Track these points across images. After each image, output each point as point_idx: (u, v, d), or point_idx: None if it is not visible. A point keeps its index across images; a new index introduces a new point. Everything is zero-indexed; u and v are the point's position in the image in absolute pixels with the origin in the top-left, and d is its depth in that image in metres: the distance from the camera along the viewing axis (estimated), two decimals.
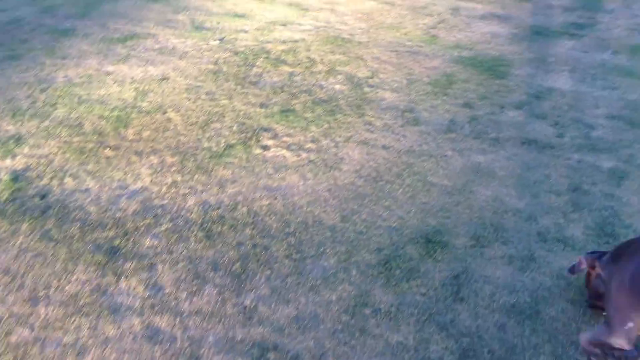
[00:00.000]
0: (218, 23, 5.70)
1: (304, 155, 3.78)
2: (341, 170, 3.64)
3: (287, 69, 4.87)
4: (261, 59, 5.00)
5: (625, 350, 2.30)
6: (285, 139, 3.94)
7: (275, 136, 3.96)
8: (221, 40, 5.35)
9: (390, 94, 4.53)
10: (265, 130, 4.02)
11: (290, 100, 4.40)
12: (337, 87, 4.61)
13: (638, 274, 2.19)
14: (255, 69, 4.83)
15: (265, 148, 3.83)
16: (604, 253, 2.48)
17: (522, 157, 3.73)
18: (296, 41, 5.37)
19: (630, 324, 2.25)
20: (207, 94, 4.44)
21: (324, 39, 5.43)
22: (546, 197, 3.38)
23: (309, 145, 3.88)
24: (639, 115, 4.13)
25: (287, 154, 3.79)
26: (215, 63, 4.90)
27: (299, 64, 4.96)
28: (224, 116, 4.16)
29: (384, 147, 3.86)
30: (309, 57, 5.08)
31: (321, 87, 4.61)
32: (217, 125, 4.06)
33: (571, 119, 4.13)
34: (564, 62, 4.94)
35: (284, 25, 5.71)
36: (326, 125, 4.10)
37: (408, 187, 3.49)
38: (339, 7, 6.23)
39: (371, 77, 4.77)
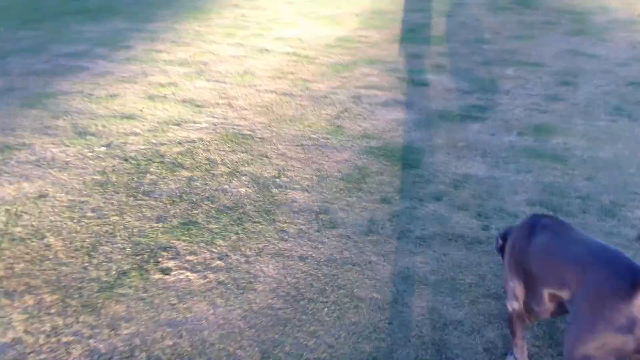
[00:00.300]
0: (104, 126, 5.18)
1: (211, 276, 3.28)
2: (256, 291, 3.17)
3: (185, 173, 4.42)
4: (155, 164, 4.52)
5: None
6: (188, 257, 3.43)
7: (176, 255, 3.44)
8: (108, 146, 4.82)
9: (301, 194, 4.16)
10: (165, 249, 3.50)
11: (191, 210, 3.92)
12: (243, 190, 4.20)
13: (513, 243, 2.62)
14: (149, 177, 4.33)
15: (166, 271, 3.30)
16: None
17: (452, 256, 3.44)
18: (193, 141, 4.95)
19: (510, 284, 2.61)
20: (93, 210, 3.87)
21: (223, 137, 5.05)
22: (485, 303, 3.07)
23: (217, 263, 3.39)
24: (557, 200, 4.00)
25: (192, 276, 3.27)
26: (103, 173, 4.36)
27: (198, 166, 4.53)
28: (114, 236, 3.60)
29: (302, 258, 3.44)
30: (208, 159, 4.65)
31: (225, 191, 4.17)
32: (107, 248, 3.49)
33: (493, 208, 3.92)
34: (474, 147, 4.82)
35: (179, 124, 5.29)
36: (234, 237, 3.64)
37: (334, 305, 3.06)
38: (236, 101, 5.91)
39: (278, 177, 4.40)
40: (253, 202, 4.05)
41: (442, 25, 8.57)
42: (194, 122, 5.37)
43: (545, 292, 2.39)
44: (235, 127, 5.31)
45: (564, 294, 2.27)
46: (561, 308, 2.37)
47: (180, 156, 4.68)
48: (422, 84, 6.31)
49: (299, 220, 3.83)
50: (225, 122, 5.39)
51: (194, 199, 4.06)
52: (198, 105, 5.79)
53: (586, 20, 8.48)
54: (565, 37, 7.78)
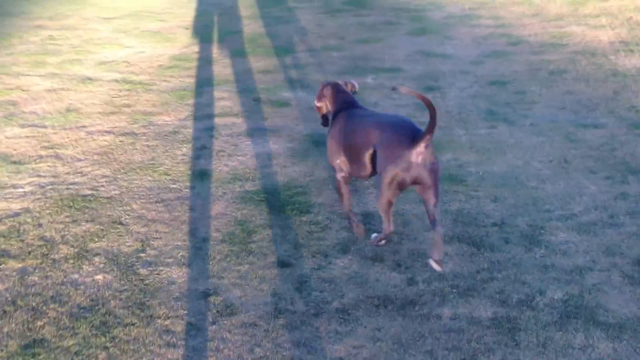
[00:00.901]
0: None
1: None
2: None
3: (13, 264, 3.34)
4: None
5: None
6: None
7: None
8: None
9: (178, 270, 3.30)
10: None
11: (33, 323, 2.89)
12: (99, 278, 3.24)
13: (336, 130, 3.50)
14: None
15: None
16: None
17: (387, 330, 2.81)
18: (17, 215, 3.83)
19: (338, 160, 3.51)
20: None
21: (57, 204, 3.98)
22: None
23: None
24: (473, 231, 3.57)
25: None
26: None
27: (30, 251, 3.46)
28: None
29: None
30: (43, 237, 3.59)
31: (75, 284, 3.18)
32: None
33: (410, 253, 3.37)
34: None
35: None
36: (103, 355, 2.70)
37: None
38: (64, 150, 4.80)
39: (143, 250, 3.49)
40: (117, 293, 3.11)
41: (283, 33, 7.98)
42: (14, 187, 4.22)
43: (366, 157, 3.30)
44: (70, 186, 4.25)
45: (372, 150, 3.24)
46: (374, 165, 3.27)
47: (2, 239, 3.56)
48: (282, 104, 5.64)
49: (185, 311, 2.98)
50: (56, 182, 4.30)
51: (34, 304, 3.03)
52: (15, 162, 4.60)
53: (424, 18, 8.39)
54: (410, 37, 7.57)
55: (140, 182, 4.31)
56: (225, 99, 5.80)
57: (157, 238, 3.61)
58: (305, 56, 7.01)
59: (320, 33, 7.94)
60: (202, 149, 4.80)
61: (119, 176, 4.40)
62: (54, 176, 4.40)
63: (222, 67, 6.74)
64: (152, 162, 4.61)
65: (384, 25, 8.11)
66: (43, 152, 4.79)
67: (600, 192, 3.83)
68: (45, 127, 5.26)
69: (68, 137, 5.05)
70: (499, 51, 6.76)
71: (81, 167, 4.54)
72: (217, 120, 5.33)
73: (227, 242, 3.55)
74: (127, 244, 3.56)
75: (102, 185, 4.27)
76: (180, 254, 3.46)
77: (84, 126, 5.28)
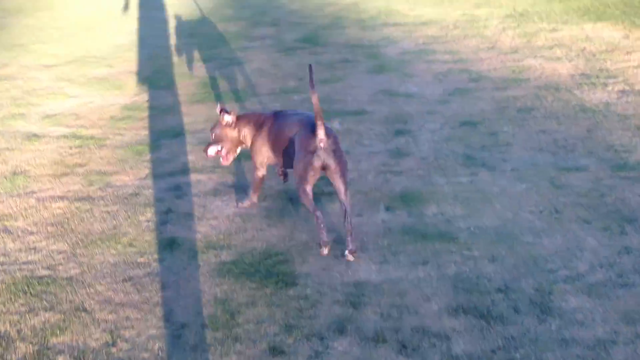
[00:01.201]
0: None
1: None
2: None
3: None
4: None
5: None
6: None
7: None
8: None
9: None
10: None
11: None
12: None
13: (266, 135, 4.18)
14: None
15: None
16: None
17: None
18: None
19: (260, 158, 4.24)
20: None
21: (9, 289, 3.55)
22: None
23: None
24: (478, 299, 3.33)
25: None
26: None
27: None
28: None
29: None
30: None
31: None
32: None
33: (414, 331, 3.08)
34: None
35: None
36: None
37: None
38: (14, 222, 4.35)
39: (113, 344, 3.09)
40: None
41: (238, 75, 7.68)
42: None
43: (284, 149, 3.98)
44: (23, 266, 3.81)
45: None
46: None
47: None
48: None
49: None
50: (6, 262, 3.85)
51: None
52: None
53: (379, 54, 8.26)
54: (369, 75, 7.41)
55: (102, 256, 3.91)
56: (185, 153, 5.44)
57: (128, 327, 3.22)
58: (265, 100, 6.74)
59: (277, 74, 7.68)
60: (167, 213, 4.43)
61: (78, 251, 3.99)
62: (4, 254, 3.95)
63: (178, 116, 6.38)
64: (113, 231, 4.22)
65: (342, 63, 7.93)
66: None
67: (601, 246, 3.67)
68: None
69: (17, 206, 4.59)
70: (462, 88, 6.67)
71: (34, 242, 4.10)
72: (181, 178, 4.97)
73: (209, 328, 3.19)
74: (94, 336, 3.16)
75: (60, 264, 3.84)
76: (157, 345, 3.08)
77: (33, 192, 4.82)
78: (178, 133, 5.91)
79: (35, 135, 5.96)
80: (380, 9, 10.62)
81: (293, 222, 4.22)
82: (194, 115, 6.37)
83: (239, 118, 4.29)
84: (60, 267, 3.80)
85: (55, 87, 7.48)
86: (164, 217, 4.38)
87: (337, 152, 3.67)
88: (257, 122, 4.23)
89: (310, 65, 3.64)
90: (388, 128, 5.72)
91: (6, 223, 4.36)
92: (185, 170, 5.10)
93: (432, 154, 5.08)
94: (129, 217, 4.39)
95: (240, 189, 4.73)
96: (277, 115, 4.15)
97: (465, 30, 8.94)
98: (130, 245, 4.04)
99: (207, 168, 5.11)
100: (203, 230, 4.19)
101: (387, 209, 4.29)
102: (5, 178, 5.06)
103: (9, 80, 7.78)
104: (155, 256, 3.89)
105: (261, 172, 4.28)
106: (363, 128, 5.77)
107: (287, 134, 3.91)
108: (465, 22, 9.41)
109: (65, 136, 5.93)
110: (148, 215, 4.40)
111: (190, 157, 5.34)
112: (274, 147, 4.07)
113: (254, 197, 4.39)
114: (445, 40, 8.59)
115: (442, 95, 6.51)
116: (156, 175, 5.03)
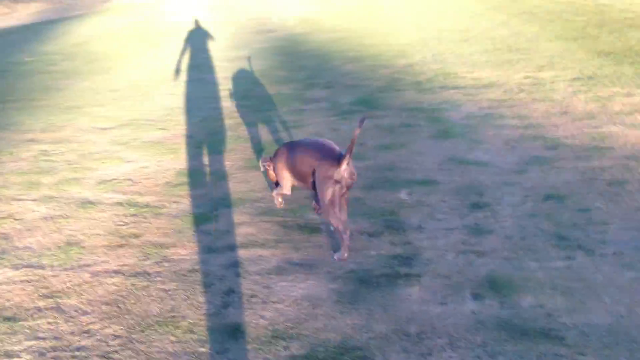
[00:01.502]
0: None
1: None
2: None
3: None
4: None
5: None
6: None
7: None
8: None
9: None
10: None
11: None
12: None
13: (283, 160, 4.80)
14: None
15: None
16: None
17: None
18: None
19: (285, 181, 4.87)
20: None
21: None
22: None
23: None
24: None
25: None
26: None
27: None
28: None
29: None
30: None
31: None
32: None
33: None
34: (432, 331, 3.53)
35: None
36: None
37: None
38: (67, 300, 4.04)
39: None
40: None
41: (295, 139, 7.42)
42: (7, 356, 3.43)
43: (308, 176, 4.49)
44: (76, 353, 3.47)
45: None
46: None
47: None
48: (312, 230, 4.96)
49: None
50: (59, 347, 3.52)
51: None
52: (8, 319, 3.83)
53: (442, 119, 7.91)
54: (434, 141, 7.04)
55: (160, 344, 3.55)
56: (246, 224, 5.11)
57: None
58: None
59: (336, 139, 7.39)
60: (229, 294, 4.07)
61: (134, 336, 3.63)
62: (55, 337, 3.63)
63: (236, 183, 6.10)
64: (171, 314, 3.86)
65: (403, 128, 7.60)
66: (41, 303, 4.03)
67: None
68: (42, 267, 4.52)
69: (70, 281, 4.30)
70: (539, 157, 6.21)
71: (88, 324, 3.77)
72: (241, 253, 4.62)
73: None
74: None
75: (116, 351, 3.49)
76: None
77: (87, 265, 4.54)
78: (236, 202, 5.60)
79: (90, 202, 5.74)
80: (436, 72, 10.33)
81: (368, 310, 3.79)
82: (251, 182, 6.08)
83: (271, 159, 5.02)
84: (116, 356, 3.45)
85: (110, 150, 7.34)
86: (225, 298, 4.02)
87: (354, 175, 4.30)
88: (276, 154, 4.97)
89: (363, 117, 4.02)
90: (462, 201, 5.29)
91: (59, 300, 4.06)
92: (245, 244, 4.75)
93: (517, 232, 4.61)
94: (188, 298, 4.04)
95: (306, 267, 4.35)
96: (293, 146, 4.74)
97: (532, 94, 8.54)
98: (190, 331, 3.67)
99: (269, 242, 4.75)
100: (268, 315, 3.80)
101: (475, 297, 3.83)
102: (60, 248, 4.81)
103: (64, 143, 7.70)
104: (218, 345, 3.50)
105: (286, 190, 4.98)
106: (434, 200, 5.35)
107: (310, 160, 4.42)
108: (530, 85, 9.02)
109: (120, 203, 5.69)
110: (208, 296, 4.04)
111: (250, 229, 5.00)
112: (294, 174, 4.71)
113: (277, 195, 5.21)
114: (512, 104, 8.20)
115: (517, 164, 6.06)
116: (214, 249, 4.70)
